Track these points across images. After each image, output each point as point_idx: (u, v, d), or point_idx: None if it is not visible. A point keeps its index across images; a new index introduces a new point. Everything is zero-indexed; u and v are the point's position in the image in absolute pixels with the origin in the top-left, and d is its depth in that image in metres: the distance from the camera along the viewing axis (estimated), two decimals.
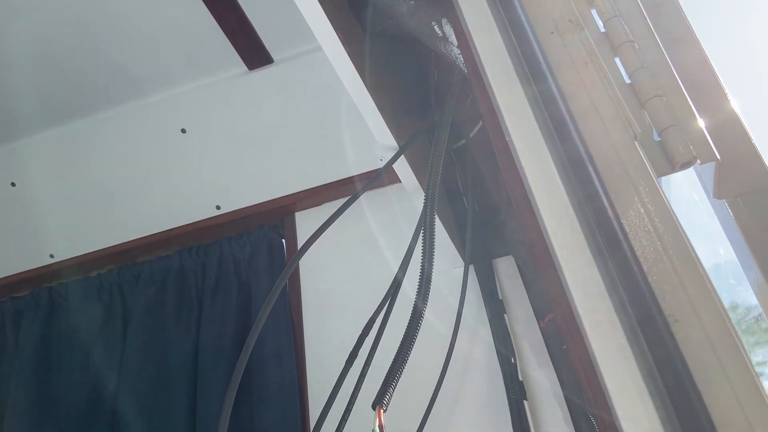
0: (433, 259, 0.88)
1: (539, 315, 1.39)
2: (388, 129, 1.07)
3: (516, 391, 1.28)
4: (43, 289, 1.91)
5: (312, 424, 1.44)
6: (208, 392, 1.54)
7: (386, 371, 0.83)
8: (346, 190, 1.73)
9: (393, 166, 1.16)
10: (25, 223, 1.85)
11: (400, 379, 1.36)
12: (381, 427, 0.78)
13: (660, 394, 0.54)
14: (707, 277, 0.44)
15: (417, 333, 0.85)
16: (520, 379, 1.32)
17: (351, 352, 0.99)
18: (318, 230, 0.99)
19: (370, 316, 1.04)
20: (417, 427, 1.20)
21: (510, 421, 1.26)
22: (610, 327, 0.60)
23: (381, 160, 1.68)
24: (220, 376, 1.55)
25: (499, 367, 1.35)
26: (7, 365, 1.84)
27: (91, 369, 1.71)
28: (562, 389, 1.30)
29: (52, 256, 1.89)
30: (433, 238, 0.90)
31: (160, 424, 1.55)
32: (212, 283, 1.74)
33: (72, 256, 1.87)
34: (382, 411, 0.80)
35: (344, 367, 0.98)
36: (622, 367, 0.63)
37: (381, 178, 1.68)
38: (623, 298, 0.57)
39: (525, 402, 1.28)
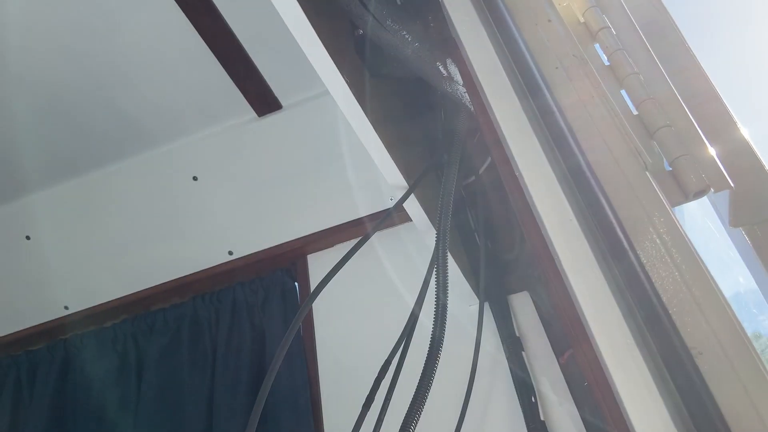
0: (448, 292, 0.87)
1: (558, 351, 1.37)
2: (396, 168, 1.08)
3: (538, 431, 1.25)
4: (58, 341, 1.91)
5: None
6: None
7: (405, 413, 0.81)
8: (357, 231, 1.73)
9: (403, 205, 1.16)
10: (39, 276, 1.86)
11: (419, 422, 1.33)
12: None
13: (688, 429, 0.53)
14: (729, 306, 0.43)
15: (436, 365, 0.83)
16: (542, 419, 1.29)
17: (368, 396, 0.98)
18: (330, 272, 0.99)
19: (386, 357, 1.03)
20: None
21: None
22: (633, 363, 0.59)
23: (391, 200, 1.68)
24: (235, 424, 1.53)
25: (519, 407, 1.32)
26: (23, 419, 1.82)
27: (107, 420, 1.69)
28: (586, 429, 1.26)
29: (66, 307, 1.89)
30: (446, 274, 0.90)
31: None
32: (226, 330, 1.73)
33: (86, 308, 1.87)
34: None
35: (361, 411, 0.96)
36: (648, 405, 0.61)
37: (392, 217, 1.68)
38: (645, 333, 0.56)
39: None
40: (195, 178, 1.72)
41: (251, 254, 1.79)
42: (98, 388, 1.75)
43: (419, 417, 0.81)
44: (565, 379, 1.33)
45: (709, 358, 0.42)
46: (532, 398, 1.31)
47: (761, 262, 0.59)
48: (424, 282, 1.04)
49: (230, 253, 1.80)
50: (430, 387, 0.83)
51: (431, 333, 0.88)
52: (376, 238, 1.73)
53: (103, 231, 1.80)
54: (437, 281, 0.88)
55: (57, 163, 1.76)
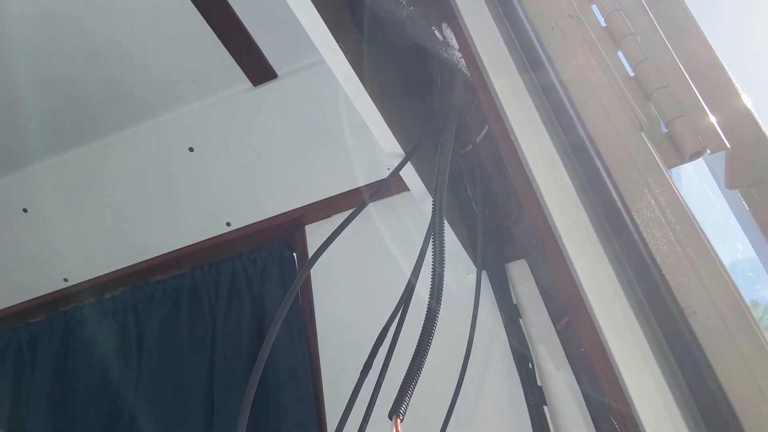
0: (444, 260, 0.87)
1: (555, 318, 1.38)
2: (393, 136, 1.07)
3: (535, 397, 1.26)
4: (58, 313, 1.92)
5: None
6: (224, 409, 1.53)
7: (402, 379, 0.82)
8: (354, 201, 1.73)
9: (400, 173, 1.15)
10: (38, 249, 1.86)
11: (417, 387, 1.34)
12: None
13: (681, 388, 0.53)
14: (722, 265, 0.43)
15: (432, 336, 0.83)
16: (539, 384, 1.30)
17: (366, 362, 0.99)
18: (327, 240, 0.99)
19: (384, 324, 1.03)
20: None
21: (530, 427, 1.24)
22: (628, 325, 0.59)
23: (388, 169, 1.68)
24: (236, 392, 1.54)
25: (516, 372, 1.33)
26: (25, 390, 1.85)
27: (108, 390, 1.71)
28: (582, 393, 1.28)
29: (66, 280, 1.89)
30: (443, 241, 0.89)
31: None
32: (225, 300, 1.74)
33: (86, 279, 1.88)
34: (399, 420, 0.79)
35: (359, 377, 0.97)
36: (642, 367, 0.61)
37: (389, 186, 1.68)
38: (639, 295, 0.56)
39: (545, 407, 1.26)
40: (191, 149, 1.71)
41: (249, 225, 1.79)
42: (99, 359, 1.77)
43: (417, 382, 0.82)
44: (562, 345, 1.35)
45: (702, 317, 0.42)
46: (530, 365, 1.32)
47: (757, 224, 0.59)
48: (420, 250, 1.04)
49: (228, 224, 1.80)
50: (427, 351, 0.83)
51: (427, 302, 0.88)
52: (373, 208, 1.73)
53: (100, 203, 1.80)
54: (434, 248, 0.88)
55: (53, 135, 1.75)
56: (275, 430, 1.49)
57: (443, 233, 0.91)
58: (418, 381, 0.82)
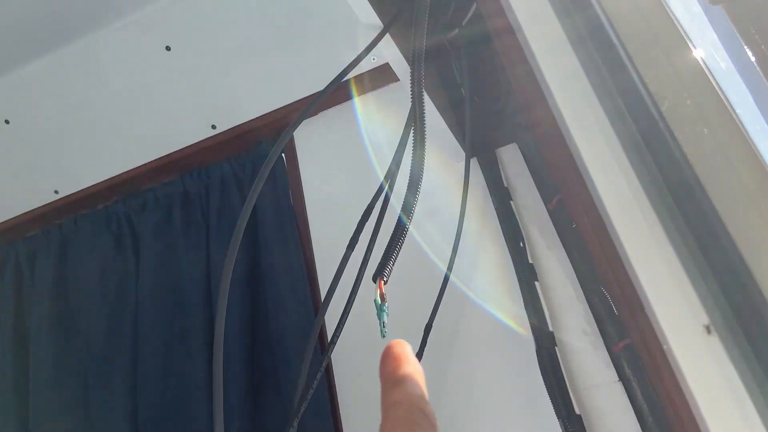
0: (425, 126, 0.84)
1: (546, 198, 1.36)
2: (370, 6, 1.02)
3: (526, 273, 1.27)
4: (52, 226, 1.92)
5: None
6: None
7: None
8: (341, 95, 1.68)
9: (382, 51, 1.11)
10: (24, 161, 1.84)
11: (408, 269, 1.35)
12: (382, 296, 0.77)
13: (670, 210, 0.51)
14: (698, 57, 0.40)
15: (417, 197, 0.81)
16: (530, 261, 1.31)
17: (351, 238, 0.98)
18: (307, 107, 0.96)
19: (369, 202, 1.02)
20: (429, 315, 1.20)
21: (522, 303, 1.26)
22: (625, 194, 0.57)
23: (373, 59, 1.62)
24: (233, 291, 1.56)
25: (508, 253, 1.33)
26: (27, 303, 1.87)
27: (109, 297, 1.73)
28: (574, 268, 1.29)
29: (56, 192, 1.88)
30: (423, 109, 0.86)
31: (181, 341, 1.58)
32: (217, 204, 1.73)
33: (76, 190, 1.86)
34: (382, 282, 0.79)
35: (345, 252, 0.97)
36: (634, 224, 0.59)
37: (382, 78, 1.63)
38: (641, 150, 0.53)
39: (536, 283, 1.27)
40: (168, 48, 1.64)
41: (235, 127, 1.75)
42: (98, 268, 1.78)
43: (401, 246, 0.81)
44: (554, 224, 1.34)
45: (674, 104, 0.39)
46: (521, 243, 1.32)
47: (742, 39, 0.55)
48: (405, 125, 1.01)
49: (213, 127, 1.76)
50: (411, 214, 0.82)
51: (410, 168, 0.86)
52: (361, 102, 1.68)
53: (82, 110, 1.75)
54: (413, 111, 0.85)
55: (25, 42, 1.68)
56: (273, 297, 1.53)
57: (423, 102, 0.88)
58: (401, 249, 0.82)
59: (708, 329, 0.40)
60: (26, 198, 1.89)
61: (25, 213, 1.92)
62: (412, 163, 0.84)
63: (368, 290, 0.86)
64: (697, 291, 0.43)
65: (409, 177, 0.84)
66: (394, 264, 0.81)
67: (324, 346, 1.38)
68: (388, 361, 0.37)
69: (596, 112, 0.68)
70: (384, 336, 0.76)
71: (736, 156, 0.38)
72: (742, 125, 0.46)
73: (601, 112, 0.67)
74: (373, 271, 0.78)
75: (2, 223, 1.93)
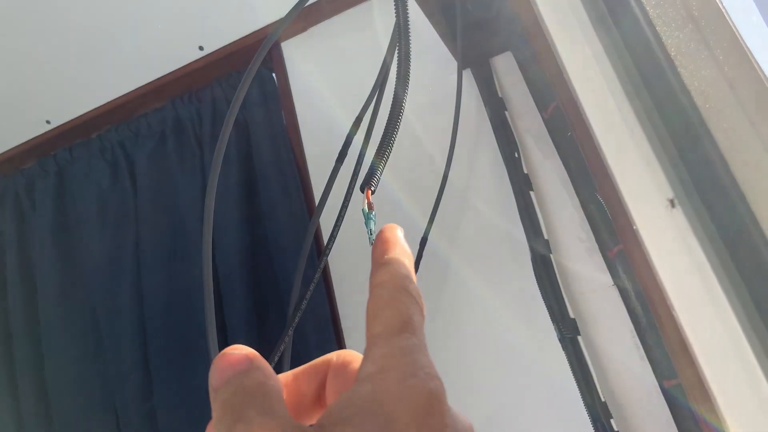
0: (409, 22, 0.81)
1: (542, 106, 1.34)
2: None
3: (521, 183, 1.26)
4: (48, 157, 1.91)
5: None
6: (222, 227, 1.56)
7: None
8: (330, 9, 1.63)
9: None
10: (11, 91, 1.80)
11: (404, 182, 1.34)
12: (369, 205, 0.77)
13: (667, 151, 0.50)
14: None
15: (403, 106, 0.80)
16: (525, 172, 1.30)
17: (340, 151, 0.97)
18: (284, 18, 0.92)
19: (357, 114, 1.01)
20: (425, 226, 1.21)
21: (517, 212, 1.26)
22: (616, 106, 0.55)
23: None
24: (230, 213, 1.57)
25: (503, 163, 1.32)
26: (29, 235, 1.89)
27: (109, 224, 1.74)
28: (570, 176, 1.28)
29: (48, 122, 1.86)
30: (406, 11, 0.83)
31: (182, 264, 1.60)
32: (209, 127, 1.71)
33: (68, 120, 1.84)
34: (369, 192, 0.79)
35: (335, 165, 0.97)
36: (624, 136, 0.58)
37: None
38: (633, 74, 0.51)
39: (531, 192, 1.27)
40: None
41: (223, 47, 1.71)
42: (95, 196, 1.78)
43: (389, 155, 0.80)
44: (549, 133, 1.32)
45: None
46: (515, 154, 1.31)
47: None
48: (392, 32, 0.98)
49: (201, 48, 1.72)
50: (398, 121, 0.80)
51: (396, 72, 0.84)
52: (350, 16, 1.63)
53: (66, 37, 1.70)
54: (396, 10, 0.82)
55: None
56: (268, 209, 1.54)
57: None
58: (390, 155, 0.80)
59: (672, 203, 0.40)
60: (18, 130, 1.88)
61: (19, 145, 1.91)
62: (397, 56, 0.82)
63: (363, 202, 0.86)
64: (662, 165, 0.42)
65: (396, 72, 0.82)
66: (382, 173, 0.81)
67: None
68: (377, 244, 0.37)
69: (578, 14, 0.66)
70: (372, 244, 0.77)
71: (710, 33, 0.37)
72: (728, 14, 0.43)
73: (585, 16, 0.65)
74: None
75: None
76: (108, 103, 1.81)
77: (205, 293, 0.68)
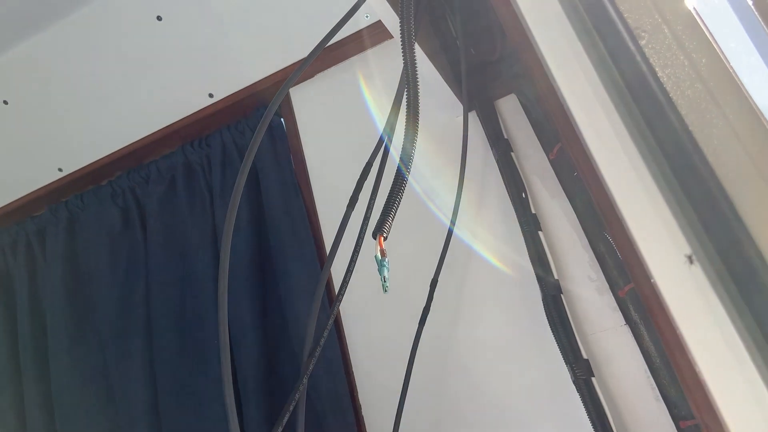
0: (417, 74, 0.83)
1: (547, 147, 1.35)
2: None
3: (530, 223, 1.27)
4: (59, 204, 1.93)
5: None
6: (232, 272, 1.56)
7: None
8: (336, 56, 1.66)
9: (374, 6, 1.09)
10: (26, 140, 1.84)
11: (412, 224, 1.35)
12: (382, 252, 0.78)
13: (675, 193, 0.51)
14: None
15: (413, 156, 0.81)
16: (533, 212, 1.31)
17: (351, 197, 0.98)
18: (297, 69, 0.95)
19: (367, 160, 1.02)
20: (435, 269, 1.21)
21: (527, 253, 1.27)
22: (621, 145, 0.57)
23: (366, 17, 1.60)
24: (239, 251, 1.58)
25: (511, 205, 1.33)
26: (40, 283, 1.90)
27: (119, 269, 1.76)
28: (577, 216, 1.28)
29: (60, 169, 1.89)
30: (414, 53, 0.85)
31: (193, 317, 1.60)
32: (219, 172, 1.73)
33: (80, 167, 1.87)
34: (382, 239, 0.79)
35: (346, 211, 0.98)
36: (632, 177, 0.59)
37: (379, 35, 1.60)
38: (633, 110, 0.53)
39: (540, 233, 1.27)
40: (159, 18, 1.62)
41: (232, 94, 1.74)
42: (106, 241, 1.80)
43: (399, 202, 0.81)
44: (555, 173, 1.33)
45: (654, 38, 0.39)
46: (523, 194, 1.32)
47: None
48: (400, 80, 1.00)
49: (211, 95, 1.75)
50: (409, 169, 0.82)
51: (405, 121, 0.86)
52: (360, 61, 1.67)
53: (78, 87, 1.74)
54: (404, 51, 0.84)
55: (17, 21, 1.66)
56: (280, 257, 1.55)
57: (413, 49, 0.87)
58: (400, 204, 0.82)
59: (690, 259, 0.40)
60: (30, 177, 1.91)
61: (31, 192, 1.93)
62: (407, 112, 0.84)
63: (373, 247, 0.87)
64: (679, 222, 0.43)
65: (405, 125, 0.84)
66: (393, 219, 0.82)
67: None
68: None
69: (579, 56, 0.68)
70: (386, 291, 0.78)
71: (716, 87, 0.38)
72: (725, 57, 0.45)
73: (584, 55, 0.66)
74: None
75: (9, 204, 1.95)
76: (119, 150, 1.84)
77: (221, 343, 0.69)
